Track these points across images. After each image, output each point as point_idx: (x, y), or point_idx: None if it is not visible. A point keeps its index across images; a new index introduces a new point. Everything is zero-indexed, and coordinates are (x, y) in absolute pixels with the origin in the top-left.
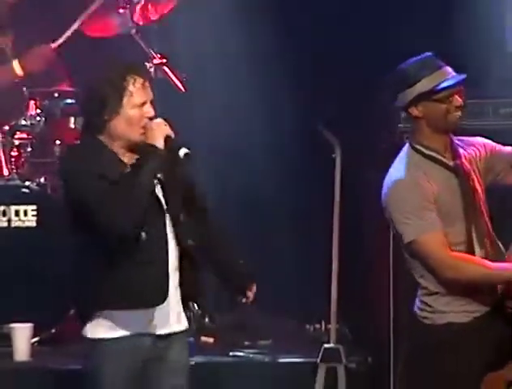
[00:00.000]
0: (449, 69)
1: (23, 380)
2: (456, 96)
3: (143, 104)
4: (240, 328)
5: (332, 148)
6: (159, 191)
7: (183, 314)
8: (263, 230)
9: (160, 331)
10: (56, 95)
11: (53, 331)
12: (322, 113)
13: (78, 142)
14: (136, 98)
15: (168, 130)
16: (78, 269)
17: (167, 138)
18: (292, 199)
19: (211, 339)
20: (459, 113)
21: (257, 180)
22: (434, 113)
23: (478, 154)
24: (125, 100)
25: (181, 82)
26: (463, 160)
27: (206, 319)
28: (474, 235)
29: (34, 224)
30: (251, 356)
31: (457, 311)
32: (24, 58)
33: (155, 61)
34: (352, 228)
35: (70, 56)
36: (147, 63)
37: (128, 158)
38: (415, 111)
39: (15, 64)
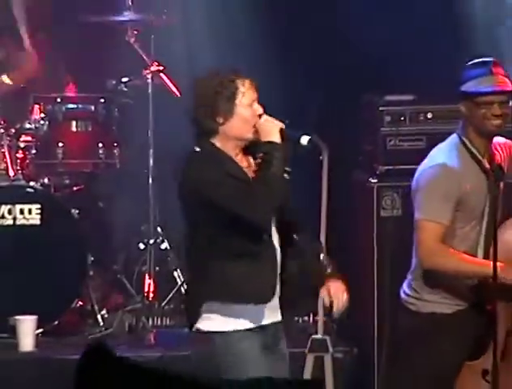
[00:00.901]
0: (500, 78)
1: (27, 370)
2: (496, 105)
3: (253, 103)
4: None
5: (320, 150)
6: None
7: (279, 306)
8: None
9: (266, 322)
10: (59, 100)
11: (56, 322)
12: (310, 117)
13: (198, 149)
14: (247, 97)
15: (280, 124)
16: (200, 265)
17: (281, 131)
18: None
19: None
20: (497, 122)
21: None
22: (473, 115)
23: (503, 155)
24: (237, 100)
25: (177, 88)
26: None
27: None
28: (482, 236)
29: (38, 222)
30: None
31: (440, 302)
32: (13, 73)
33: (153, 68)
34: (339, 227)
35: (70, 61)
36: (144, 70)
37: (240, 160)
38: (461, 107)
39: (4, 78)
